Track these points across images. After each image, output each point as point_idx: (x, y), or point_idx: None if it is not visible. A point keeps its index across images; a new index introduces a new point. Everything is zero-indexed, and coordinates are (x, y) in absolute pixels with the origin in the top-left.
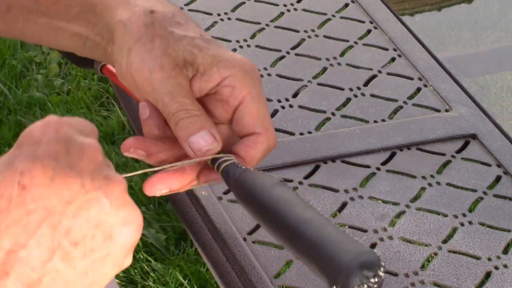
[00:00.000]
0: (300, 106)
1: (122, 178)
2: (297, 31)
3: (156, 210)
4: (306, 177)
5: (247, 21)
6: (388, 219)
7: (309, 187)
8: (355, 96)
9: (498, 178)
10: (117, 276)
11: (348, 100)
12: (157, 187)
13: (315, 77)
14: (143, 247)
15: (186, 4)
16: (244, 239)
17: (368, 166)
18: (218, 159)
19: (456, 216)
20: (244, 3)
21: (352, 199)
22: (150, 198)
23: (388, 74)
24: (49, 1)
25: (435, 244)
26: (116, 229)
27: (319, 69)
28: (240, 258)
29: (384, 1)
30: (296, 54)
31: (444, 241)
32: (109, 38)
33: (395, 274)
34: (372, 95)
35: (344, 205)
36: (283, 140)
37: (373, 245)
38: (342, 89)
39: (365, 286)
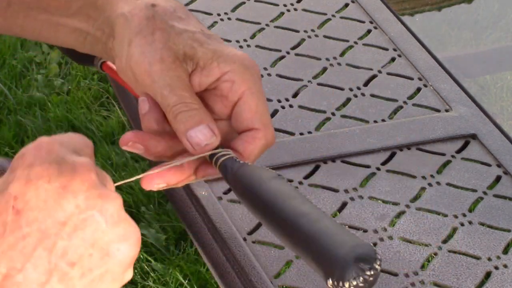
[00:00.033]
0: (300, 106)
1: (117, 194)
2: (297, 31)
3: (156, 210)
4: (306, 177)
5: (247, 21)
6: (388, 219)
7: (309, 187)
8: (355, 96)
9: (498, 178)
10: None
11: (348, 100)
12: (154, 182)
13: (315, 77)
14: (143, 247)
15: (186, 4)
16: (244, 239)
17: (368, 166)
18: (216, 154)
19: (456, 216)
20: (244, 3)
21: (352, 199)
22: (150, 198)
23: (388, 74)
24: None
25: (435, 244)
26: (113, 245)
27: (319, 69)
28: (240, 258)
29: (384, 1)
30: (296, 54)
31: (444, 241)
32: (110, 33)
33: (395, 274)
34: (372, 95)
35: (344, 205)
36: (283, 140)
37: (373, 245)
38: (342, 89)
39: (361, 279)
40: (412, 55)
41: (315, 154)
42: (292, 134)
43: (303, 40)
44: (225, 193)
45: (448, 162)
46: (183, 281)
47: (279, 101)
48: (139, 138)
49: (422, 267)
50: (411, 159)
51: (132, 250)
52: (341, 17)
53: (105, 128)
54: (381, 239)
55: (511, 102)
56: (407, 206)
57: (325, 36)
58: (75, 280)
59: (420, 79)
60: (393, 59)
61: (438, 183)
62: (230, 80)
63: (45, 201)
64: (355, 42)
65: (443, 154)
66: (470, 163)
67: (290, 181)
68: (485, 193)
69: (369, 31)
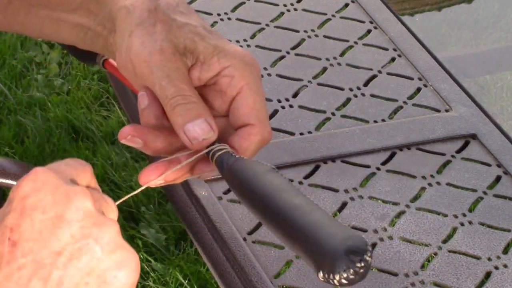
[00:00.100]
0: (300, 106)
1: (113, 221)
2: (297, 31)
3: (156, 210)
4: (306, 177)
5: (247, 21)
6: (388, 219)
7: (309, 187)
8: (355, 96)
9: (498, 178)
10: None
11: (348, 100)
12: (152, 178)
13: (315, 77)
14: (143, 247)
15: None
16: (244, 239)
17: (368, 166)
18: (213, 149)
19: (456, 216)
20: (244, 3)
21: (352, 199)
22: (150, 198)
23: (388, 74)
24: None
25: (435, 244)
26: (110, 273)
27: (319, 69)
28: (240, 258)
29: (384, 1)
30: (296, 54)
31: (444, 241)
32: (111, 28)
33: (395, 274)
34: (372, 95)
35: (344, 205)
36: (283, 140)
37: (373, 245)
38: (342, 89)
39: (351, 271)
40: (412, 55)
41: (315, 154)
42: (292, 134)
43: (303, 40)
44: (225, 193)
45: (448, 162)
46: (183, 281)
47: (279, 101)
48: (138, 132)
49: (422, 267)
50: (411, 159)
51: (131, 277)
52: (341, 17)
53: (105, 128)
54: (381, 239)
55: (511, 102)
56: (407, 206)
57: (325, 36)
58: None
59: (420, 79)
60: (393, 59)
61: (438, 183)
62: (229, 75)
63: (40, 232)
64: (355, 42)
65: (443, 154)
66: (470, 163)
67: (290, 181)
68: (485, 193)
69: (369, 31)
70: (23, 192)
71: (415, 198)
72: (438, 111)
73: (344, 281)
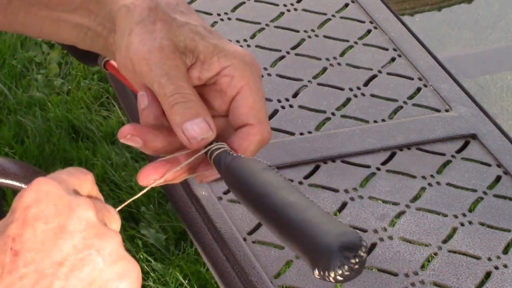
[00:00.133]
0: (300, 106)
1: (116, 232)
2: (297, 31)
3: (156, 210)
4: (306, 177)
5: (247, 21)
6: (388, 219)
7: (309, 187)
8: (355, 96)
9: (498, 178)
10: None
11: (348, 100)
12: (151, 177)
13: (315, 77)
14: (143, 247)
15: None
16: (244, 239)
17: (368, 166)
18: (211, 148)
19: (456, 216)
20: (244, 3)
21: (352, 199)
22: (150, 198)
23: (388, 74)
24: None
25: (435, 244)
26: (112, 284)
27: (319, 69)
28: (240, 258)
29: (384, 1)
30: (296, 54)
31: (444, 241)
32: (111, 28)
33: (395, 274)
34: (372, 95)
35: (344, 205)
36: (283, 140)
37: (373, 245)
38: (342, 89)
39: (346, 267)
40: (412, 55)
41: (315, 154)
42: (292, 134)
43: (303, 40)
44: (225, 193)
45: (448, 162)
46: (183, 281)
47: (279, 101)
48: (137, 131)
49: (422, 267)
50: (411, 159)
51: None
52: (341, 17)
53: (105, 128)
54: (381, 239)
55: (511, 102)
56: (407, 206)
57: (325, 36)
58: None
59: (420, 79)
60: (393, 59)
61: (438, 183)
62: (229, 74)
63: (42, 242)
64: (355, 42)
65: (443, 154)
66: (470, 163)
67: (290, 181)
68: (485, 193)
69: (369, 31)
70: (25, 202)
71: (415, 198)
72: (438, 111)
73: (339, 277)
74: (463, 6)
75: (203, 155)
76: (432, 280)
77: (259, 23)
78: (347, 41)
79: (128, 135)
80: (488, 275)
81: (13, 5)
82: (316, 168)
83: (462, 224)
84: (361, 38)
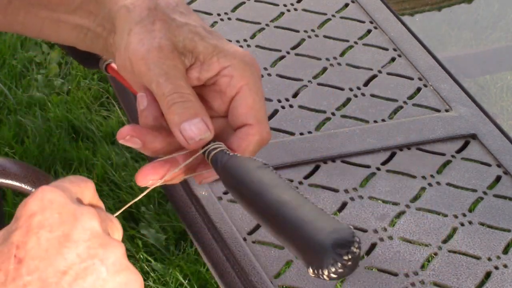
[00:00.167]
0: (300, 106)
1: (119, 242)
2: (297, 31)
3: (156, 210)
4: (306, 177)
5: (247, 21)
6: (388, 219)
7: (309, 187)
8: (355, 96)
9: (498, 178)
10: None
11: (348, 100)
12: (149, 178)
13: (315, 77)
14: (143, 247)
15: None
16: (244, 239)
17: (368, 166)
18: (208, 148)
19: (456, 216)
20: (244, 3)
21: (352, 199)
22: (150, 198)
23: (388, 74)
24: None
25: (435, 244)
26: None
27: (319, 69)
28: (240, 258)
29: (384, 1)
30: (296, 54)
31: (444, 241)
32: (111, 29)
33: (395, 274)
34: (372, 95)
35: (344, 205)
36: (283, 140)
37: (373, 245)
38: (342, 89)
39: (339, 264)
40: (412, 55)
41: (315, 154)
42: (292, 134)
43: (303, 40)
44: (225, 193)
45: (448, 162)
46: (183, 281)
47: (279, 101)
48: (136, 132)
49: (422, 267)
50: (411, 159)
51: None
52: (341, 17)
53: (105, 128)
54: (381, 239)
55: (511, 102)
56: (407, 206)
57: (325, 36)
58: None
59: (420, 79)
60: (393, 59)
61: (438, 183)
62: (229, 75)
63: (46, 250)
64: (355, 42)
65: (443, 154)
66: (470, 163)
67: (290, 181)
68: (485, 193)
69: (369, 31)
70: (30, 210)
71: (415, 198)
72: (438, 111)
73: (333, 275)
74: (463, 6)
75: (202, 156)
76: (432, 280)
77: (259, 23)
78: (347, 41)
79: (127, 136)
80: (488, 275)
81: (13, 5)
82: (316, 168)
83: (462, 224)
84: (361, 38)
